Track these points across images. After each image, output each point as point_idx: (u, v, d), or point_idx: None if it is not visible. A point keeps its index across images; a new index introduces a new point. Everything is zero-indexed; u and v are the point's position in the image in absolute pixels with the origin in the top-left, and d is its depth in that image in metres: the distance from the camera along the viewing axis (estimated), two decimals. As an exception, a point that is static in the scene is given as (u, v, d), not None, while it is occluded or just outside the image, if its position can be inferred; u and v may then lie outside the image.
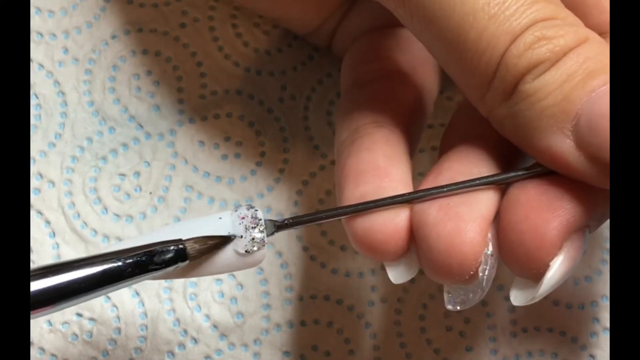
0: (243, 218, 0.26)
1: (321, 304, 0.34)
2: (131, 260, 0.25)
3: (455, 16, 0.25)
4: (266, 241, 0.26)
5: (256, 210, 0.26)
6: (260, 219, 0.26)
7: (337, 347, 0.34)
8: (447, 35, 0.26)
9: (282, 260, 0.35)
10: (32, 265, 0.34)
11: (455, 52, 0.26)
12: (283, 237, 0.35)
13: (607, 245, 0.35)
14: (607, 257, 0.35)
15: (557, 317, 0.34)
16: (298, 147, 0.36)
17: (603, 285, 0.34)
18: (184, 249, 0.25)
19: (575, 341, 0.34)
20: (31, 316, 0.23)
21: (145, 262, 0.25)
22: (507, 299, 0.29)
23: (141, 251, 0.25)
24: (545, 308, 0.34)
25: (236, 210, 0.26)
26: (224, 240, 0.26)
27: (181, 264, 0.25)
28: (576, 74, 0.25)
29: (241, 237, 0.26)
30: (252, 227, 0.26)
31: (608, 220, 0.33)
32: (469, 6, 0.25)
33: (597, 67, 0.25)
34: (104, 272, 0.24)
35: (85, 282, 0.24)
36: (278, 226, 0.26)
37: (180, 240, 0.25)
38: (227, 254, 0.26)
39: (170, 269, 0.25)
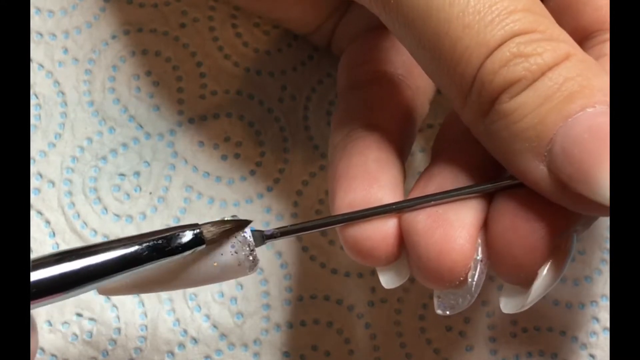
0: (234, 244, 0.26)
1: (321, 304, 0.34)
2: (149, 244, 0.25)
3: (432, 23, 0.25)
4: (258, 258, 0.26)
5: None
6: (248, 237, 0.26)
7: (337, 347, 0.34)
8: (425, 43, 0.25)
9: (282, 261, 0.35)
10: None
11: (433, 60, 0.25)
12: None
13: (607, 245, 0.35)
14: (607, 257, 0.35)
15: (557, 317, 0.34)
16: (298, 147, 0.36)
17: (603, 285, 0.34)
18: (201, 232, 0.25)
19: (575, 341, 0.34)
20: (55, 299, 0.24)
21: (162, 245, 0.25)
22: (507, 299, 0.29)
23: (159, 236, 0.25)
24: (545, 308, 0.34)
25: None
26: (240, 224, 0.26)
27: (198, 248, 0.25)
28: (554, 96, 0.24)
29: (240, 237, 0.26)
30: (241, 242, 0.26)
31: (608, 221, 0.34)
32: (444, 14, 0.24)
33: (575, 89, 0.24)
34: (123, 256, 0.25)
35: (105, 265, 0.24)
36: (266, 237, 0.27)
37: (196, 224, 0.25)
38: (220, 264, 0.26)
39: (188, 252, 0.25)
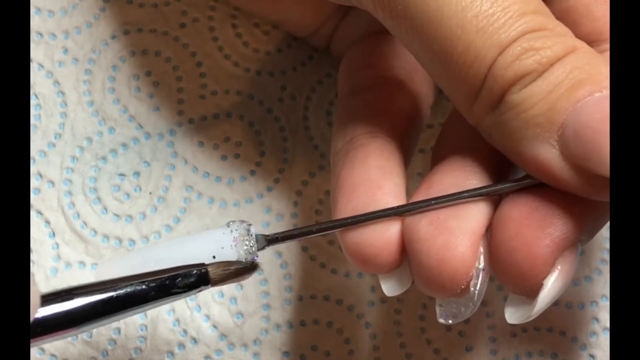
0: (237, 238, 0.26)
1: (321, 304, 0.34)
2: (154, 284, 0.25)
3: (443, 28, 0.25)
4: (258, 258, 0.26)
5: (249, 224, 0.26)
6: (253, 236, 0.26)
7: (337, 347, 0.34)
8: (435, 47, 0.25)
9: (281, 260, 0.35)
10: (32, 266, 0.34)
11: (442, 64, 0.26)
12: (283, 237, 0.35)
13: (607, 245, 0.35)
14: (607, 257, 0.35)
15: (557, 317, 0.34)
16: (298, 147, 0.36)
17: (603, 285, 0.34)
18: (207, 274, 0.25)
19: (575, 341, 0.34)
20: (58, 336, 0.24)
21: (168, 286, 0.25)
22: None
23: (164, 275, 0.25)
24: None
25: (228, 226, 0.26)
26: (245, 267, 0.26)
27: (203, 288, 0.25)
28: (562, 84, 0.25)
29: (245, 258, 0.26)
30: (243, 241, 0.26)
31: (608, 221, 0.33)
32: (457, 19, 0.25)
33: (583, 77, 0.25)
34: (127, 294, 0.24)
35: (109, 304, 0.24)
36: (269, 241, 0.27)
37: (203, 264, 0.25)
38: None
39: (193, 292, 0.25)
